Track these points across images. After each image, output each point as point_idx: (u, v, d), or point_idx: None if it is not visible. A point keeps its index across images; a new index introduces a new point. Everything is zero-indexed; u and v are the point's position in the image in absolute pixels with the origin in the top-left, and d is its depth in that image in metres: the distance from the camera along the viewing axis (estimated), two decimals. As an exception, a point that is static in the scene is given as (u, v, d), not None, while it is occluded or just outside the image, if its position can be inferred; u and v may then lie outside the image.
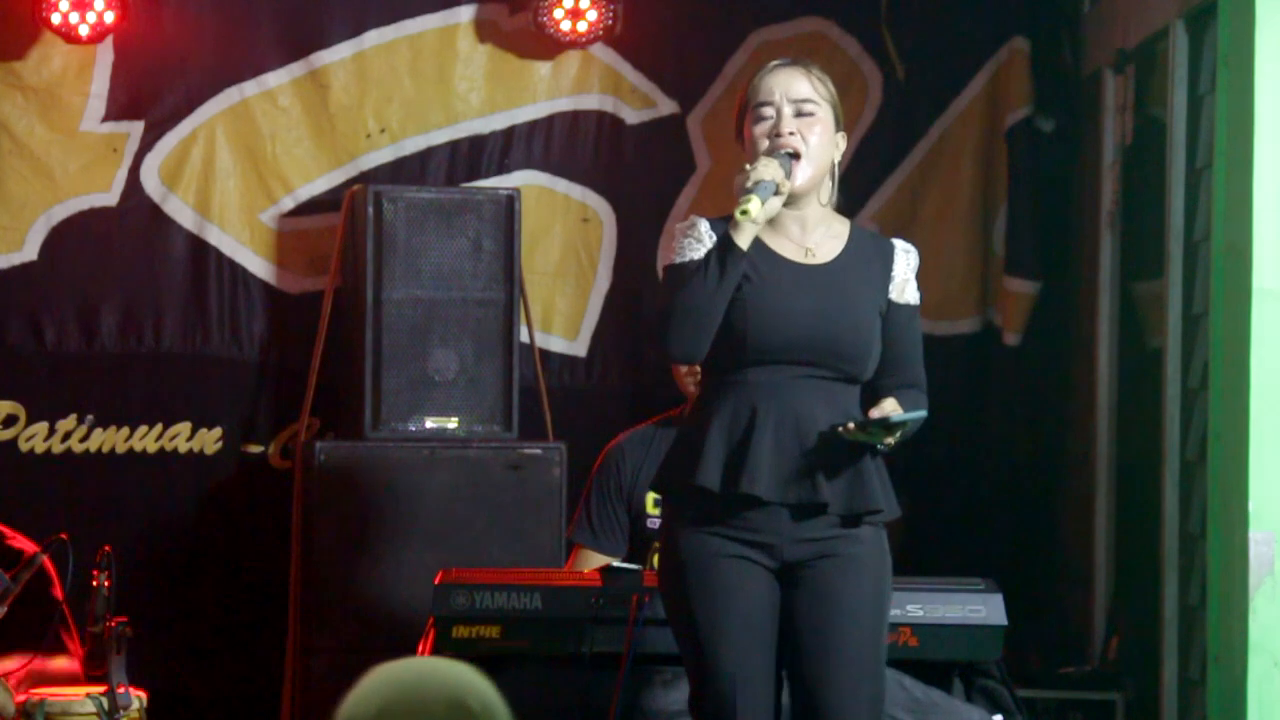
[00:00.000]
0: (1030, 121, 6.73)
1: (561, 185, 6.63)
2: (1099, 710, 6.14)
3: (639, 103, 6.66)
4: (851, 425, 3.96)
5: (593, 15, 6.41)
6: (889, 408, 3.97)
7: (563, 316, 6.63)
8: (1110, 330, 6.46)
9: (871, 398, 4.07)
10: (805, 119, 4.11)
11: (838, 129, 4.16)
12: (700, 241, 4.06)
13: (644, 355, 6.59)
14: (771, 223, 4.11)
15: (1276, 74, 4.72)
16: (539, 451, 6.04)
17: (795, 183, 4.08)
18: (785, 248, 4.12)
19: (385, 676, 2.71)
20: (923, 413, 3.99)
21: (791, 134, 4.09)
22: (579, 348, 6.65)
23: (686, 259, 4.04)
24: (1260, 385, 4.72)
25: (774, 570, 4.05)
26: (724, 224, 4.08)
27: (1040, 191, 6.73)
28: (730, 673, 4.00)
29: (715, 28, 6.68)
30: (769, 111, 4.12)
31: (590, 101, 6.64)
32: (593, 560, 5.24)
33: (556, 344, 6.63)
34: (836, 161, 4.17)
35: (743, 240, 4.00)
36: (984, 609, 4.60)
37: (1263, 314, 4.74)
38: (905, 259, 4.17)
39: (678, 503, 4.12)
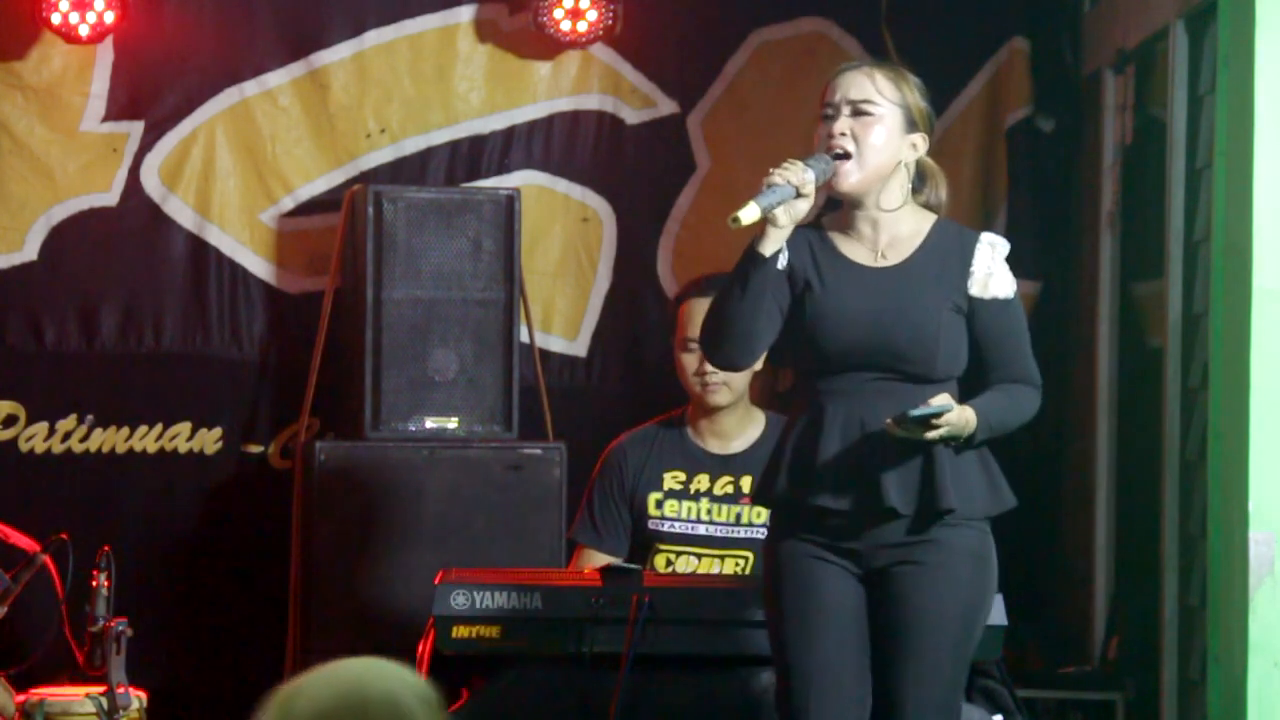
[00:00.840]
0: (1030, 121, 6.73)
1: (561, 185, 6.63)
2: (1099, 710, 6.14)
3: (639, 103, 6.66)
4: (890, 421, 3.97)
5: (593, 15, 6.40)
6: (937, 402, 3.96)
7: (563, 316, 6.63)
8: (1110, 330, 6.46)
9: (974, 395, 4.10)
10: (862, 119, 4.10)
11: (912, 130, 4.15)
12: None
13: (644, 355, 6.60)
14: (847, 226, 4.14)
15: (1276, 74, 4.72)
16: (539, 451, 6.04)
17: (843, 184, 4.08)
18: (856, 251, 4.13)
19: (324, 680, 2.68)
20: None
21: (843, 134, 4.09)
22: (579, 348, 6.65)
23: None
24: (1260, 385, 4.72)
25: (859, 576, 4.08)
26: (805, 231, 4.11)
27: (1040, 191, 6.73)
28: (809, 669, 4.03)
29: (715, 28, 6.67)
30: (829, 112, 4.13)
31: (590, 101, 6.63)
32: (595, 559, 5.24)
33: (556, 344, 6.62)
34: (907, 162, 4.15)
35: (766, 248, 4.02)
36: (984, 609, 4.60)
37: (1263, 314, 4.74)
38: (989, 252, 4.14)
39: (773, 513, 4.20)
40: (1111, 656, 6.24)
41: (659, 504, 5.31)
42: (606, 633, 4.51)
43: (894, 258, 4.13)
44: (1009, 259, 4.18)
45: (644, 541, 5.33)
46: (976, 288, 4.12)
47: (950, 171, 6.64)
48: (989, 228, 6.73)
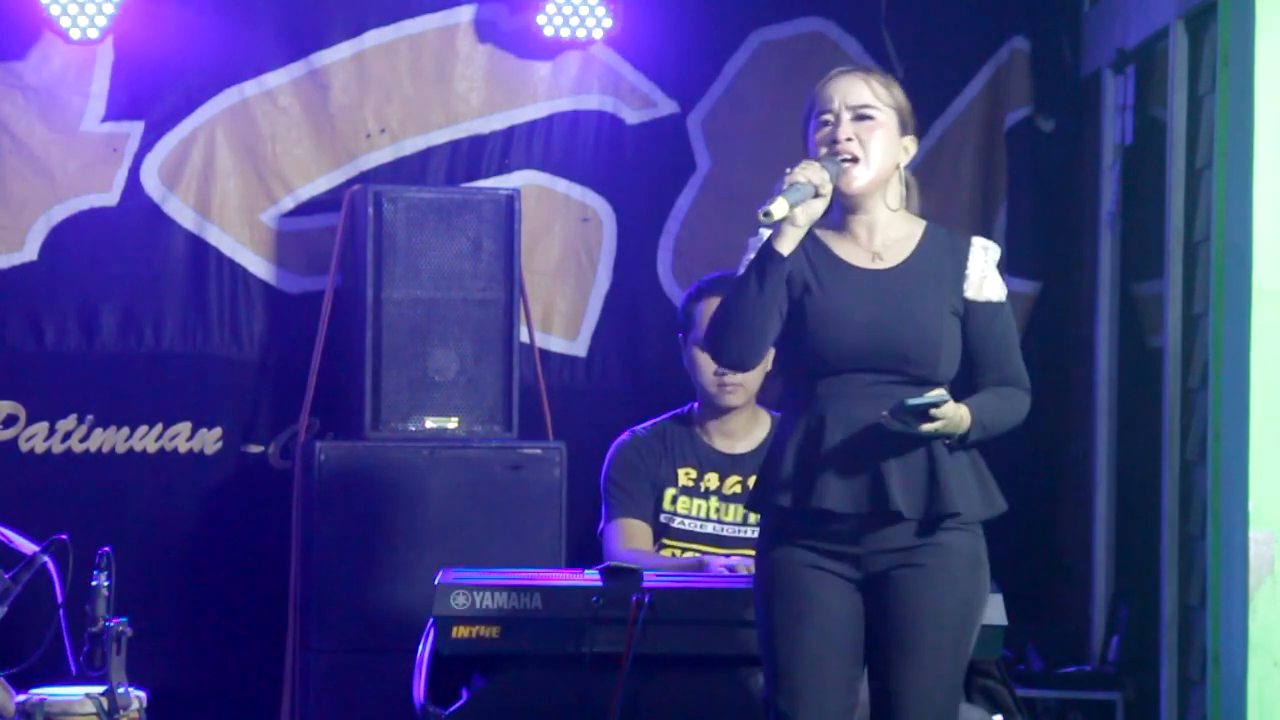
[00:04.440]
0: (1030, 121, 6.74)
1: (561, 185, 6.63)
2: (1099, 710, 6.14)
3: (639, 103, 6.66)
4: (886, 414, 3.98)
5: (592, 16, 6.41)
6: (932, 394, 3.98)
7: (563, 316, 6.63)
8: (1110, 330, 6.46)
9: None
10: (864, 123, 4.15)
11: (905, 133, 4.20)
12: None
13: (644, 355, 6.60)
14: (839, 229, 4.17)
15: (1276, 74, 4.72)
16: (539, 451, 6.04)
17: (852, 186, 4.12)
18: (852, 254, 4.15)
19: None
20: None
21: (849, 139, 4.13)
22: (579, 348, 6.65)
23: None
24: (1260, 385, 4.73)
25: (857, 581, 4.09)
26: None
27: (1040, 191, 6.73)
28: (799, 675, 4.03)
29: (715, 28, 6.68)
30: (828, 118, 4.16)
31: (590, 101, 6.63)
32: (638, 529, 5.26)
33: (556, 344, 6.62)
34: (903, 165, 4.20)
35: (783, 246, 4.03)
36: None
37: (1263, 314, 4.75)
38: (982, 255, 4.18)
39: (767, 519, 4.19)
40: (1111, 656, 6.24)
41: (674, 499, 5.33)
42: (606, 633, 4.52)
43: (890, 260, 4.16)
44: (1004, 258, 4.21)
45: (653, 534, 5.34)
46: (971, 290, 4.15)
47: (950, 171, 6.78)
48: (989, 228, 6.75)
